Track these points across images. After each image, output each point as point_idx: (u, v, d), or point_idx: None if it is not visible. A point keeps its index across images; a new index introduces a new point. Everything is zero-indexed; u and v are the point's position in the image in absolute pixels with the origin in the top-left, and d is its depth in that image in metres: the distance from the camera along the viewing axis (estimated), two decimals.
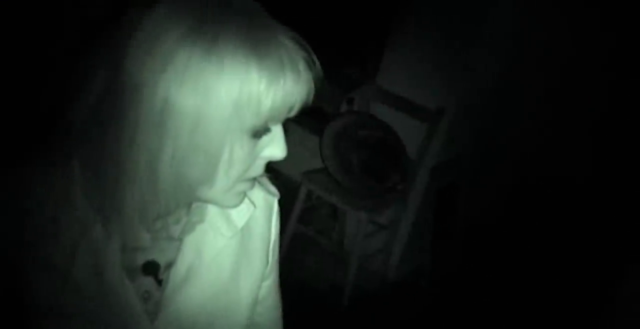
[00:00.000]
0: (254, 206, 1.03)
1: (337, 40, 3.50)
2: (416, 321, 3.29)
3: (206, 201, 0.89)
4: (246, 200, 1.00)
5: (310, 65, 0.81)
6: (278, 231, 1.12)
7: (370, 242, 3.39)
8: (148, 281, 0.93)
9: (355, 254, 3.16)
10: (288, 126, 0.87)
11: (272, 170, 1.02)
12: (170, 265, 0.94)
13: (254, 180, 0.89)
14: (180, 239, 0.95)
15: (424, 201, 3.33)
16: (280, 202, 1.13)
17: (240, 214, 1.01)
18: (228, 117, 0.76)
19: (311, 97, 0.82)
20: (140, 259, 0.93)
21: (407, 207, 3.34)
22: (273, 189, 1.10)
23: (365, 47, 3.45)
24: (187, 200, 0.89)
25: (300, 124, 3.72)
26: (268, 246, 1.09)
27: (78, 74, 0.79)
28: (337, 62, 3.45)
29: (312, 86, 0.82)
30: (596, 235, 3.35)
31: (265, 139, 0.84)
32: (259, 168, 0.87)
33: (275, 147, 0.85)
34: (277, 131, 0.85)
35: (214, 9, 0.76)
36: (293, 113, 0.84)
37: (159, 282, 0.94)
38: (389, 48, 3.24)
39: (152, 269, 0.94)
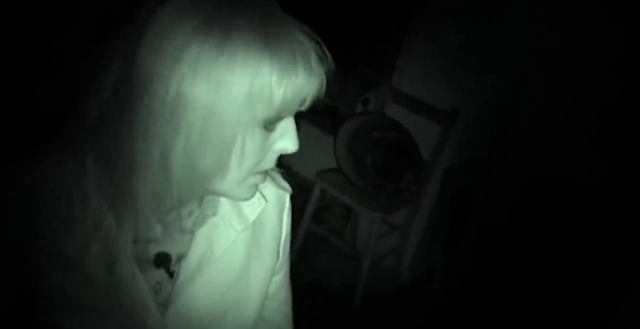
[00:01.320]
0: (266, 200, 1.04)
1: (352, 39, 3.50)
2: (427, 321, 3.29)
3: (218, 194, 0.90)
4: (258, 194, 1.01)
5: (322, 59, 0.81)
6: (289, 226, 1.13)
7: (383, 243, 3.39)
8: (159, 273, 0.94)
9: (368, 254, 3.16)
10: (303, 125, 0.87)
11: (287, 169, 1.03)
12: (181, 258, 0.95)
13: (266, 174, 0.90)
14: (192, 232, 0.96)
15: (438, 203, 3.32)
16: (293, 201, 1.14)
17: (252, 208, 1.01)
18: (240, 110, 0.76)
19: (323, 90, 0.83)
20: (152, 251, 0.94)
21: (420, 208, 3.33)
22: (285, 184, 1.10)
23: (381, 47, 3.45)
24: (200, 192, 0.90)
25: (315, 124, 3.73)
26: (279, 241, 1.10)
27: (92, 66, 0.79)
28: (352, 62, 3.46)
29: (324, 79, 0.82)
30: (608, 237, 3.33)
31: (277, 132, 0.84)
32: (270, 161, 0.87)
33: (287, 141, 0.85)
34: (289, 125, 0.85)
35: (227, 2, 0.76)
36: (305, 106, 0.84)
37: (171, 274, 0.95)
38: (405, 49, 3.23)
39: (163, 261, 0.94)
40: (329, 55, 0.82)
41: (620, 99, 3.29)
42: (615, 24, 3.09)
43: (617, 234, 3.28)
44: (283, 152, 0.87)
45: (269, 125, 0.82)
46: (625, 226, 3.26)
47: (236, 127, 0.78)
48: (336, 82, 0.84)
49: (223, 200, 0.99)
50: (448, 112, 3.08)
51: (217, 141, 0.78)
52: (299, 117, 0.87)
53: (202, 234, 0.96)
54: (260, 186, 0.94)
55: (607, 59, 3.21)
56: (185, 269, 0.95)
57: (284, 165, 0.92)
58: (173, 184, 0.81)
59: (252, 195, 0.90)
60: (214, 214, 0.97)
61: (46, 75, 0.82)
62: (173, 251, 0.95)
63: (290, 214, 1.12)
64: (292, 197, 1.13)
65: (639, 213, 3.22)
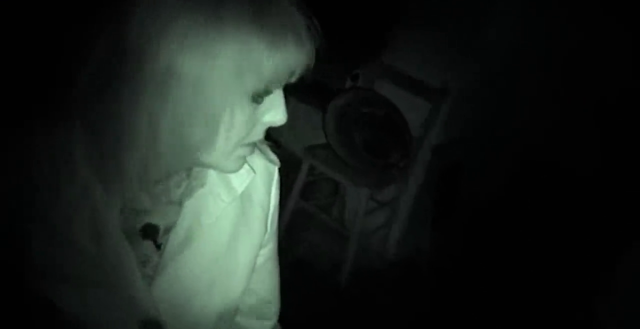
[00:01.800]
0: (254, 172, 1.03)
1: (343, 14, 3.48)
2: (414, 299, 3.31)
3: (206, 166, 0.89)
4: (246, 166, 1.01)
5: (312, 30, 0.81)
6: (278, 199, 1.13)
7: (371, 219, 3.40)
8: (147, 245, 0.94)
9: (355, 230, 3.17)
10: (292, 101, 0.87)
11: (276, 144, 1.02)
12: (169, 229, 0.95)
13: (254, 146, 0.89)
14: (180, 203, 0.95)
15: (426, 180, 3.33)
16: (281, 175, 1.13)
17: (240, 180, 1.01)
18: (229, 81, 0.76)
19: (312, 63, 0.82)
20: (140, 223, 0.93)
21: (408, 184, 3.34)
22: (274, 157, 1.10)
23: (372, 23, 3.43)
24: (188, 164, 0.89)
25: (305, 100, 3.71)
26: (267, 214, 1.10)
27: (81, 35, 0.78)
28: (342, 37, 3.43)
29: (314, 52, 0.82)
30: (598, 218, 3.35)
31: (265, 104, 0.84)
32: (259, 134, 0.87)
33: (275, 113, 0.85)
34: (278, 97, 0.85)
35: None
36: (294, 78, 0.84)
37: (158, 246, 0.94)
38: (397, 25, 3.22)
39: (151, 232, 0.94)
40: (319, 28, 0.82)
41: (616, 82, 3.29)
42: (615, 8, 3.08)
43: (607, 217, 3.30)
44: (271, 125, 0.87)
45: (258, 97, 0.81)
46: (615, 209, 3.27)
47: (225, 99, 0.77)
48: (326, 56, 0.84)
49: (211, 172, 0.98)
50: (438, 89, 3.08)
51: (205, 113, 0.77)
52: (289, 93, 0.86)
53: (190, 205, 0.96)
54: (249, 159, 0.93)
55: (601, 44, 3.20)
56: (173, 241, 0.94)
57: (273, 141, 0.91)
58: (160, 155, 0.80)
59: (240, 167, 0.89)
60: (202, 185, 0.97)
61: (36, 42, 0.81)
62: (161, 223, 0.95)
63: (278, 187, 1.12)
64: (280, 171, 1.12)
65: (629, 197, 3.24)
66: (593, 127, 3.43)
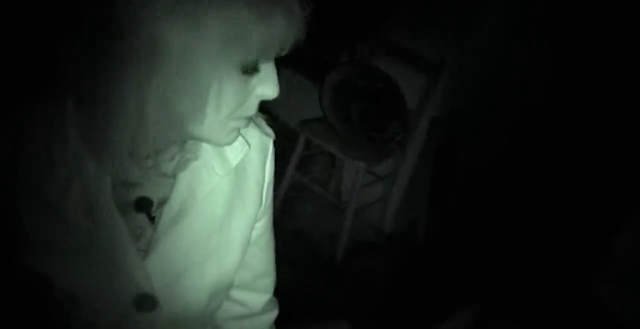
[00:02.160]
0: (249, 145, 1.02)
1: None
2: (409, 273, 3.32)
3: (199, 139, 0.89)
4: (241, 139, 1.00)
5: (304, 2, 0.79)
6: (273, 173, 1.12)
7: (368, 193, 3.40)
8: (141, 218, 0.93)
9: (352, 204, 3.17)
10: (289, 74, 0.86)
11: (273, 118, 1.01)
12: (163, 202, 0.94)
13: (249, 119, 0.88)
14: (173, 177, 0.95)
15: (422, 153, 3.33)
16: (278, 149, 1.12)
17: (234, 153, 1.00)
18: (216, 52, 0.75)
19: (302, 35, 0.81)
20: (133, 196, 0.93)
21: (405, 158, 3.34)
22: (269, 130, 1.09)
23: None
24: (179, 137, 0.88)
25: (301, 73, 3.69)
26: (262, 187, 1.09)
27: (68, 8, 0.77)
28: (340, 10, 3.41)
29: (304, 24, 0.80)
30: (595, 191, 3.35)
31: (257, 77, 0.83)
32: (252, 107, 0.86)
33: (267, 86, 0.84)
34: (270, 70, 0.84)
35: None
36: (285, 51, 0.82)
37: (152, 219, 0.94)
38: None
39: (144, 205, 0.93)
40: (311, 1, 0.80)
41: (612, 58, 3.27)
42: None
43: (604, 193, 3.30)
44: (263, 98, 0.86)
45: (248, 69, 0.80)
46: (612, 185, 3.28)
47: (212, 70, 0.76)
48: (322, 29, 0.82)
49: (205, 145, 0.97)
50: (435, 63, 3.06)
51: (193, 83, 0.77)
52: (284, 66, 0.85)
53: (184, 178, 0.95)
54: (243, 132, 0.92)
55: (597, 20, 3.18)
56: (167, 214, 0.94)
57: (270, 114, 0.90)
58: (150, 129, 0.80)
59: (234, 140, 0.89)
60: (196, 158, 0.96)
61: (25, 17, 0.80)
62: (154, 196, 0.94)
63: (273, 160, 1.11)
64: (276, 145, 1.11)
65: (623, 174, 3.24)
66: (587, 102, 3.42)
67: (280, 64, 0.85)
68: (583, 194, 3.41)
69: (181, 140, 0.92)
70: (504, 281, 3.12)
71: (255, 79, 0.83)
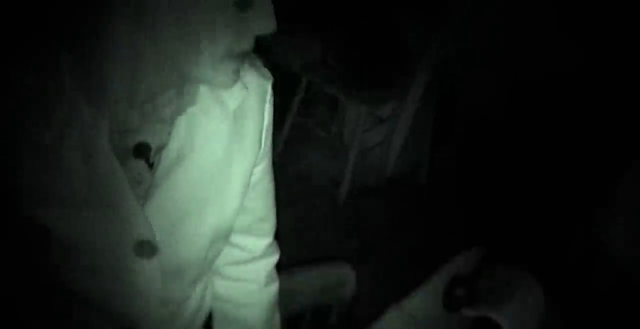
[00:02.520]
0: (247, 89, 1.01)
1: None
2: (412, 215, 3.34)
3: (197, 81, 0.88)
4: (239, 83, 0.98)
5: None
6: (271, 116, 1.10)
7: (370, 136, 3.39)
8: (139, 164, 0.92)
9: (354, 147, 3.16)
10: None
11: (273, 60, 0.99)
12: (161, 148, 0.93)
13: (245, 57, 0.86)
14: (171, 122, 0.93)
15: (425, 96, 3.30)
16: (280, 92, 1.11)
17: (232, 97, 0.98)
18: None
19: None
20: (131, 142, 0.91)
21: (407, 100, 3.31)
22: (267, 72, 1.07)
23: None
24: (176, 80, 0.87)
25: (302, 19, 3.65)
26: (261, 131, 1.07)
27: None
28: None
29: None
30: (600, 134, 3.34)
31: (252, 11, 0.81)
32: (247, 44, 0.84)
33: (263, 20, 0.82)
34: (265, 3, 0.81)
35: None
36: None
37: (150, 165, 0.93)
38: None
39: (143, 151, 0.92)
40: None
41: None
42: None
43: (608, 129, 3.28)
44: (259, 33, 0.84)
45: (242, 3, 0.79)
46: (614, 128, 3.25)
47: (204, 5, 0.75)
48: None
49: (203, 90, 0.95)
50: (438, 5, 3.02)
51: (185, 20, 0.76)
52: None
53: (181, 123, 0.94)
54: (241, 75, 0.90)
55: None
56: (165, 160, 0.93)
57: (268, 55, 0.88)
58: (145, 71, 0.79)
59: (233, 82, 0.87)
60: (193, 103, 0.94)
61: None
62: (152, 142, 0.93)
63: (272, 103, 1.09)
64: (275, 87, 1.10)
65: (630, 116, 3.22)
66: (592, 34, 3.38)
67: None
68: (587, 137, 3.39)
69: (178, 85, 0.91)
70: (508, 225, 3.14)
71: (250, 14, 0.81)
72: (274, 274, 1.29)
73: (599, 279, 1.99)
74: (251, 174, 1.08)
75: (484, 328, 1.75)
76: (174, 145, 0.93)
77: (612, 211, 2.07)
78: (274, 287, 1.28)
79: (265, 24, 0.82)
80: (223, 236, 1.06)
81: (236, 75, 0.87)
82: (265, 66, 1.07)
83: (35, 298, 0.99)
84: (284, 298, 1.34)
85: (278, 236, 1.27)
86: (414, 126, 3.43)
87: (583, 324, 1.79)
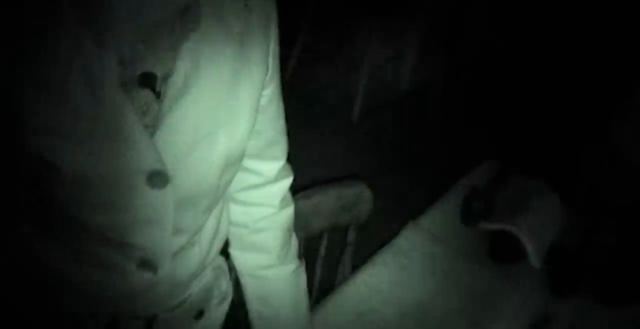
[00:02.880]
0: (250, 10, 0.98)
1: None
2: (427, 131, 3.33)
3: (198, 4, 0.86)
4: (242, 4, 0.96)
5: None
6: (278, 37, 1.08)
7: (382, 51, 3.36)
8: (146, 93, 0.91)
9: (365, 63, 3.13)
10: None
11: None
12: (167, 76, 0.91)
13: None
14: (175, 49, 0.91)
15: (436, 9, 3.25)
16: (282, 10, 1.08)
17: (236, 19, 0.96)
18: None
19: None
20: (136, 71, 0.89)
21: (419, 15, 3.26)
22: None
23: None
24: (178, 3, 0.85)
25: None
26: (267, 53, 1.05)
27: None
28: None
29: None
30: (614, 38, 3.27)
31: None
32: None
33: None
34: None
35: None
36: None
37: (157, 94, 0.91)
38: None
39: (149, 80, 0.90)
40: None
41: None
42: None
43: (623, 42, 3.22)
44: None
45: None
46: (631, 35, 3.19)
47: None
48: None
49: (206, 13, 0.93)
50: None
51: None
52: None
53: (186, 50, 0.92)
54: None
55: None
56: (172, 88, 0.91)
57: None
58: None
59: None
60: (197, 29, 0.92)
61: None
62: (158, 70, 0.91)
63: (277, 23, 1.07)
64: (280, 7, 1.07)
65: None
66: None
67: None
68: (602, 43, 3.33)
69: (180, 10, 0.88)
70: (522, 136, 3.12)
71: None
72: (289, 197, 1.29)
73: (615, 184, 1.99)
74: (260, 97, 1.06)
75: (502, 241, 1.76)
76: (179, 72, 0.92)
77: (628, 114, 2.05)
78: (290, 210, 1.29)
79: None
80: (235, 162, 1.06)
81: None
82: None
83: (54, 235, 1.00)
84: (301, 219, 1.35)
85: (289, 158, 1.26)
86: (426, 39, 3.39)
87: (599, 231, 1.80)
